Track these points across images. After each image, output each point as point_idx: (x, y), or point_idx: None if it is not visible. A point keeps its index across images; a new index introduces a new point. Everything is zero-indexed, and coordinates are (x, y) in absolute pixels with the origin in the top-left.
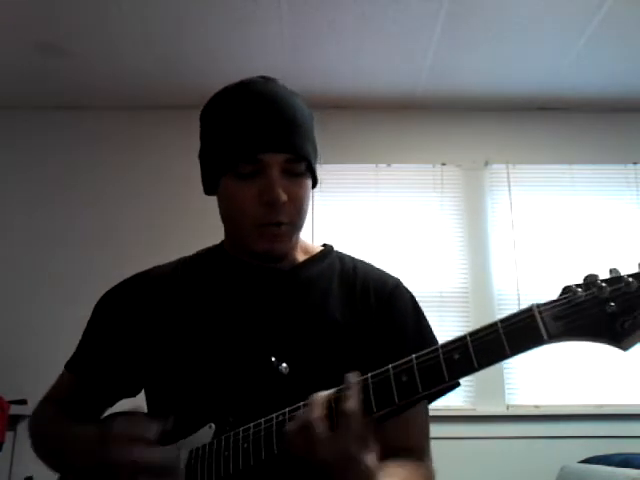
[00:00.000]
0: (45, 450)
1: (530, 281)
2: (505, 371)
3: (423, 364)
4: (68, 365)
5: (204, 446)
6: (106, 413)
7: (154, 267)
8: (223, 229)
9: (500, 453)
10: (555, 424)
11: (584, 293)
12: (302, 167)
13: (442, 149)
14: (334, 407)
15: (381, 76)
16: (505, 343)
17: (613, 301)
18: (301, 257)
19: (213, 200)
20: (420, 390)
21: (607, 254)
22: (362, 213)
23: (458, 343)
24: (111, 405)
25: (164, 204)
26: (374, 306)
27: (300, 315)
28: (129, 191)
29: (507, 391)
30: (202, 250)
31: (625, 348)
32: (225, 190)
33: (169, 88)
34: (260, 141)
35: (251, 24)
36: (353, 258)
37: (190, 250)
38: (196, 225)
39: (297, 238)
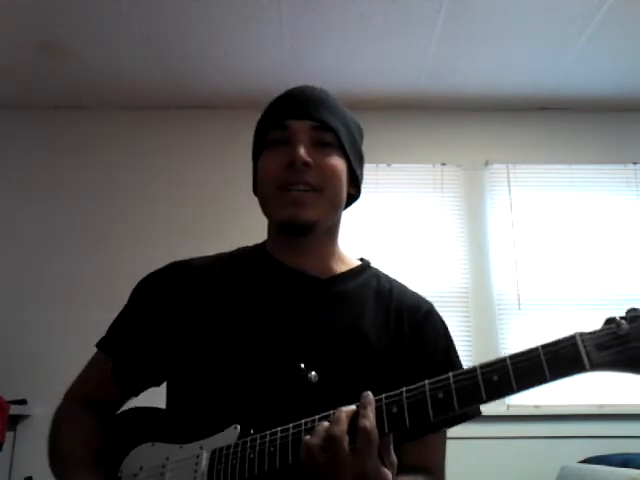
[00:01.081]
0: (51, 466)
1: (530, 281)
2: None
3: (461, 383)
4: (100, 344)
5: (228, 446)
6: (125, 407)
7: (193, 258)
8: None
9: (500, 453)
10: (555, 424)
11: (628, 326)
12: (330, 138)
13: (442, 149)
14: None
15: (381, 76)
16: (545, 368)
17: None
18: (340, 268)
19: (212, 200)
20: (456, 408)
21: (607, 254)
22: (362, 213)
23: (497, 365)
24: (136, 395)
25: (164, 204)
26: (407, 331)
27: (334, 327)
28: (128, 191)
29: None
30: (243, 248)
31: None
32: (260, 167)
33: (169, 88)
34: (287, 109)
35: (251, 24)
36: (389, 278)
37: (189, 249)
38: (195, 224)
39: (328, 213)
